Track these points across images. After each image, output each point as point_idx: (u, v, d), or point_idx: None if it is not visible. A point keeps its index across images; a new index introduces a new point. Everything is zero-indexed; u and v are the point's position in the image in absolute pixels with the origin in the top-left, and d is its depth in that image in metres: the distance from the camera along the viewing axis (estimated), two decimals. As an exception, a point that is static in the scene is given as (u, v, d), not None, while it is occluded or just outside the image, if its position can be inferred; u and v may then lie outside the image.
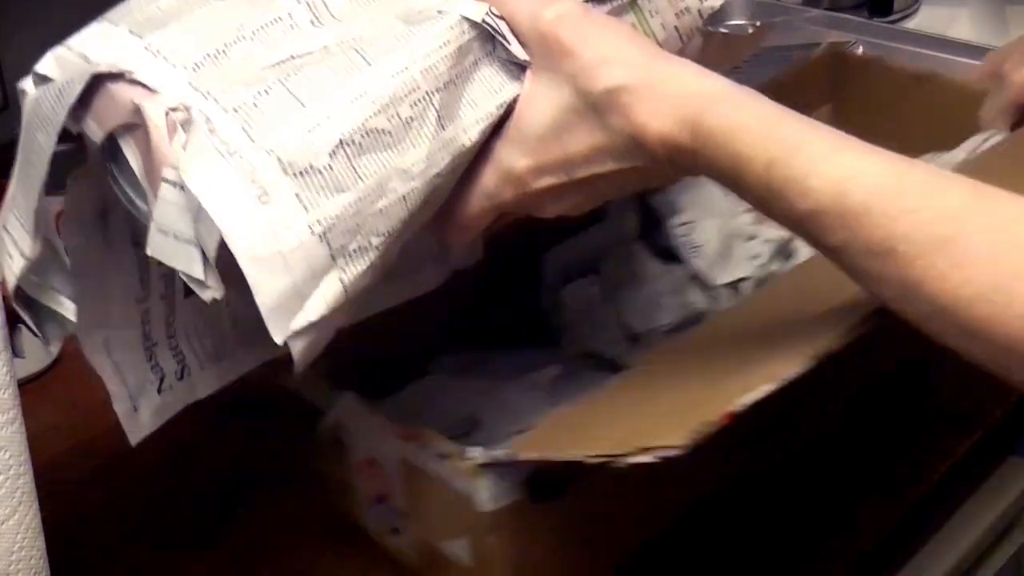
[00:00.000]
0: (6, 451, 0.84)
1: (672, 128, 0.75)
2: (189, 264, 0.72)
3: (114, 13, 0.78)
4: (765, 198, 0.72)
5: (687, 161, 0.75)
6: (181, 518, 1.01)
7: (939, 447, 1.06)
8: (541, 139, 0.79)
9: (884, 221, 0.69)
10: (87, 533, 1.00)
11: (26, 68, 1.25)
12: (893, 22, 1.62)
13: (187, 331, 0.92)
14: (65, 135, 0.76)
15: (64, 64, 0.77)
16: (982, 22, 1.66)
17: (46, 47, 1.26)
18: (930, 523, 1.07)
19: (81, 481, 1.05)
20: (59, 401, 1.13)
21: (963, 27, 1.65)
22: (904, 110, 1.25)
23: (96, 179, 0.79)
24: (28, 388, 1.02)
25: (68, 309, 0.83)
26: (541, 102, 0.78)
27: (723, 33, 0.91)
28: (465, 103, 0.78)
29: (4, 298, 0.85)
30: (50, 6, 1.26)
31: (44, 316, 0.84)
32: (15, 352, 1.09)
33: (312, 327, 0.73)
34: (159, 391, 0.91)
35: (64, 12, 1.28)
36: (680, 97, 0.75)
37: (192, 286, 0.73)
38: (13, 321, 1.11)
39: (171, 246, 0.72)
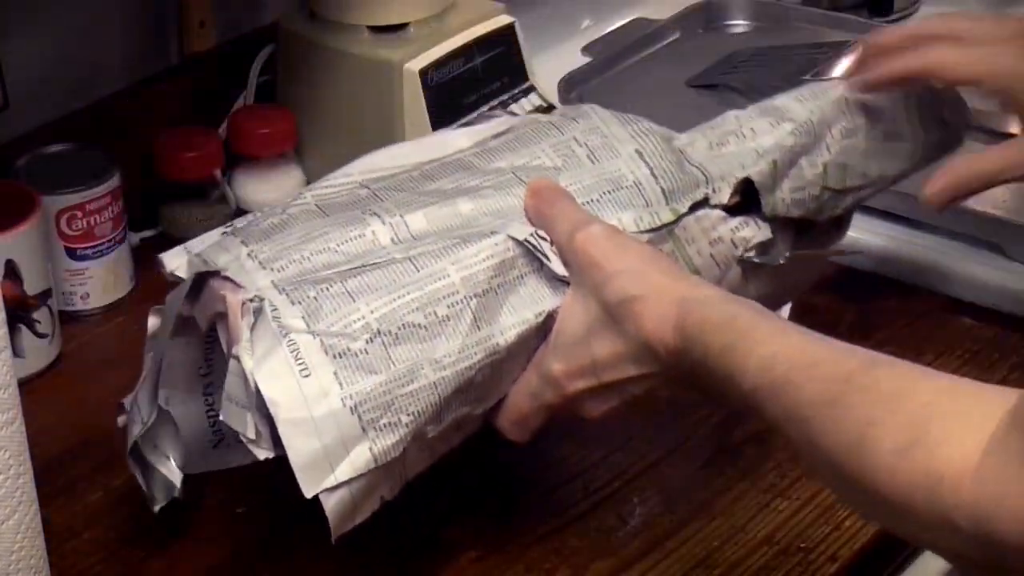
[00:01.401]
0: (6, 451, 0.84)
1: (668, 332, 0.86)
2: (244, 426, 0.87)
3: (240, 221, 0.96)
4: (725, 382, 0.82)
5: (680, 362, 0.86)
6: (181, 518, 1.01)
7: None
8: (574, 346, 0.90)
9: (796, 390, 0.78)
10: (87, 533, 1.00)
11: (26, 68, 1.25)
12: (893, 22, 1.61)
13: None
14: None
15: (191, 266, 0.93)
16: (982, 22, 1.66)
17: (46, 47, 1.27)
18: (930, 523, 1.07)
19: (81, 481, 1.05)
20: (59, 401, 1.13)
21: (963, 27, 1.64)
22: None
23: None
24: (28, 388, 1.02)
25: (175, 475, 0.96)
26: (576, 313, 0.90)
27: (761, 264, 0.98)
28: (506, 309, 0.90)
29: (4, 298, 0.85)
30: (50, 6, 1.26)
31: (154, 477, 0.96)
32: (15, 352, 1.09)
33: (341, 487, 0.86)
34: (214, 447, 0.99)
35: (64, 12, 1.28)
36: (674, 304, 0.86)
37: (248, 445, 0.87)
38: (13, 321, 1.11)
39: (234, 411, 0.87)
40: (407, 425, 0.87)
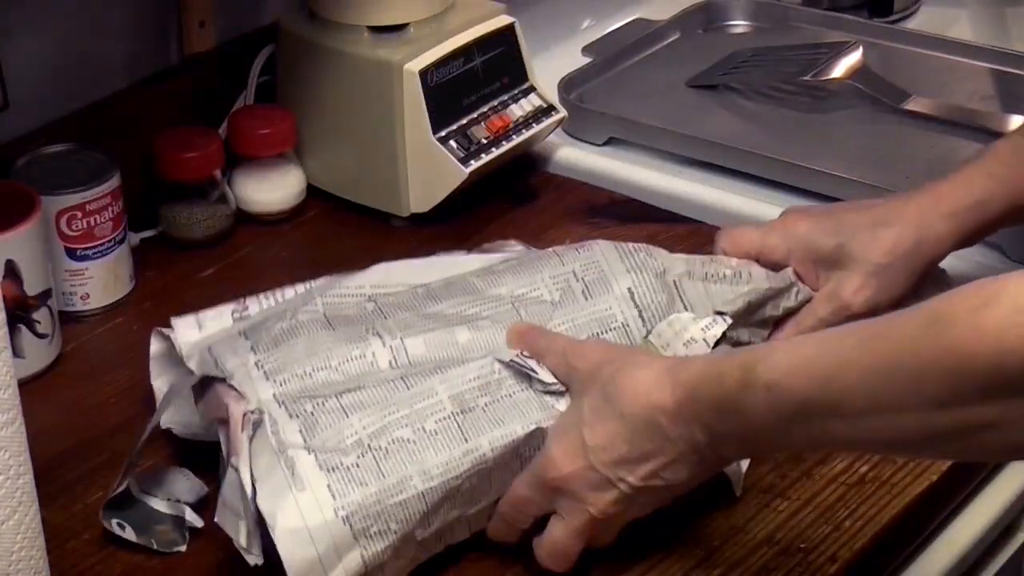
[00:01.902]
0: (6, 451, 0.84)
1: (667, 394, 0.89)
2: (237, 533, 0.92)
3: (253, 327, 1.01)
4: (746, 393, 0.85)
5: (683, 418, 0.88)
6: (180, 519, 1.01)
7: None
8: (567, 432, 0.93)
9: (834, 350, 0.82)
10: (87, 533, 1.00)
11: (26, 68, 1.25)
12: (893, 22, 1.61)
13: None
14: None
15: (203, 363, 0.99)
16: (982, 23, 1.66)
17: (46, 47, 1.27)
18: (930, 523, 1.08)
19: (81, 481, 1.05)
20: (59, 401, 1.13)
21: (963, 27, 1.64)
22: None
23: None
24: (28, 388, 1.02)
25: (195, 519, 1.00)
26: (570, 411, 0.94)
27: None
28: (494, 423, 0.95)
29: (4, 298, 0.85)
30: (50, 6, 1.26)
31: (169, 522, 1.00)
32: (15, 352, 1.09)
33: None
34: None
35: (64, 12, 1.28)
36: (664, 371, 0.90)
37: (241, 551, 0.92)
38: (13, 321, 1.11)
39: (229, 518, 0.92)
40: (395, 532, 0.92)
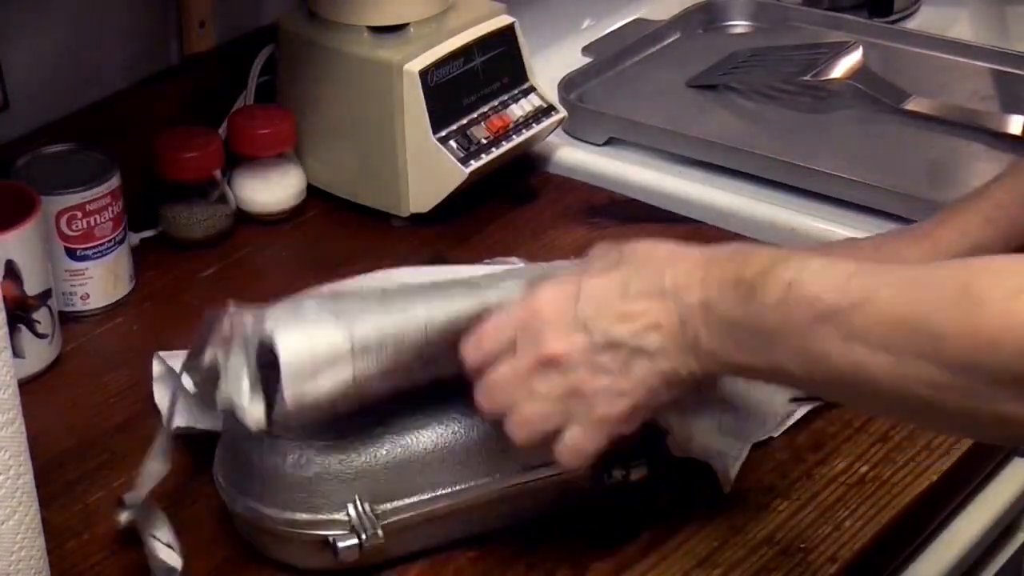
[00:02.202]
0: (6, 451, 0.84)
1: (684, 259, 0.87)
2: (240, 396, 0.93)
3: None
4: (757, 281, 0.83)
5: (680, 280, 0.86)
6: (181, 519, 1.01)
7: (939, 447, 1.06)
8: (567, 277, 0.90)
9: (869, 277, 0.80)
10: (87, 533, 1.00)
11: (26, 68, 1.25)
12: (893, 22, 1.61)
13: None
14: None
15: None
16: (982, 22, 1.67)
17: (46, 47, 1.27)
18: (930, 523, 1.08)
19: (81, 481, 1.05)
20: (59, 401, 1.13)
21: (963, 27, 1.65)
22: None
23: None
24: (28, 388, 1.02)
25: (174, 559, 0.97)
26: (581, 264, 0.92)
27: None
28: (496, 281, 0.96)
29: (4, 298, 0.85)
30: (50, 6, 1.26)
31: (155, 559, 0.97)
32: (15, 352, 1.09)
33: (317, 398, 0.92)
34: None
35: (64, 12, 1.28)
36: (692, 246, 0.88)
37: (240, 416, 0.93)
38: (13, 321, 1.11)
39: (227, 395, 0.93)
40: (390, 352, 0.93)
